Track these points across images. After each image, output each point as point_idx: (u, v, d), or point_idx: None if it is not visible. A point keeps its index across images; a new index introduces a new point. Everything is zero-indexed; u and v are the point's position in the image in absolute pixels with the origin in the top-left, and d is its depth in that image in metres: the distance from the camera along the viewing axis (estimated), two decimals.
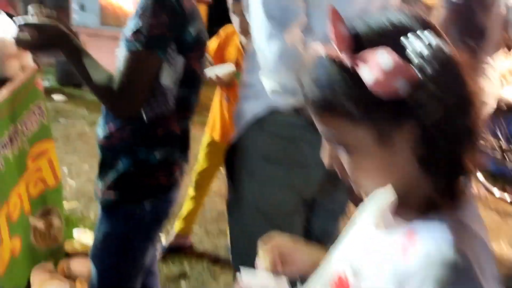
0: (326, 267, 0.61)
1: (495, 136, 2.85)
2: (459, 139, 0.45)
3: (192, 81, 0.98)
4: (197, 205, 2.03)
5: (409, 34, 0.45)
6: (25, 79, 1.49)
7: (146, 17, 0.85)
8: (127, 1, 4.69)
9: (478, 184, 2.78)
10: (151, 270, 1.22)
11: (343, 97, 0.46)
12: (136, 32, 0.86)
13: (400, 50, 0.44)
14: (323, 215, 1.12)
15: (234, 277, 0.73)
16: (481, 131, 0.47)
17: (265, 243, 0.69)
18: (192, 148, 1.13)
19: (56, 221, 1.67)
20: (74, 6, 4.75)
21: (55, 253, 1.66)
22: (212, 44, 1.86)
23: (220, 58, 1.88)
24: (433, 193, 0.47)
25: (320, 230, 1.14)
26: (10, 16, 4.13)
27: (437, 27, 0.47)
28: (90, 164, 2.88)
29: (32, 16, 0.91)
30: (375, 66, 0.43)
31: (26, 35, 0.89)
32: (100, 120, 1.01)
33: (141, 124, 0.95)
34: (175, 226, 2.01)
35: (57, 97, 4.28)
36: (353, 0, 0.92)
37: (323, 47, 0.48)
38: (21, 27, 0.89)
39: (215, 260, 2.05)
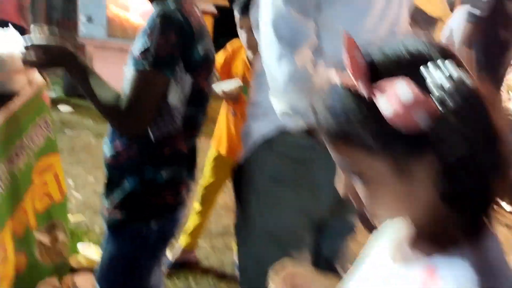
0: None
1: None
2: (485, 175, 0.43)
3: (199, 99, 0.97)
4: (203, 219, 2.01)
5: (428, 64, 0.43)
6: (32, 94, 1.49)
7: (155, 37, 0.85)
8: (134, 13, 4.73)
9: None
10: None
11: (359, 127, 0.44)
12: (144, 52, 0.85)
13: (419, 80, 0.42)
14: (332, 235, 1.10)
15: None
16: (510, 164, 0.44)
17: (277, 272, 0.67)
18: (198, 160, 1.12)
19: (61, 236, 1.66)
20: (81, 18, 4.80)
21: (60, 269, 1.65)
22: (219, 58, 1.86)
23: (226, 73, 1.88)
24: (455, 228, 0.45)
25: (329, 249, 1.12)
26: (20, 28, 4.17)
27: (458, 56, 0.46)
28: (95, 176, 2.88)
29: (38, 35, 0.92)
30: (393, 98, 0.41)
31: (32, 55, 0.90)
32: (107, 139, 1.00)
33: (148, 143, 0.94)
34: (181, 241, 1.99)
35: (63, 108, 4.30)
36: (363, 23, 0.91)
37: (337, 74, 0.47)
38: (27, 48, 0.89)
39: (221, 276, 2.02)
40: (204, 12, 5.56)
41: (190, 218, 1.98)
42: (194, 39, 0.90)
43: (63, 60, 0.89)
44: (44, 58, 0.89)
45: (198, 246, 2.10)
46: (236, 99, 1.78)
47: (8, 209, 1.35)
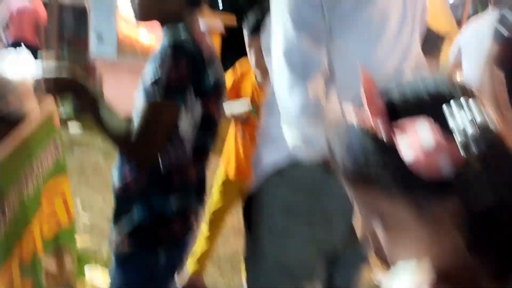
0: None
1: None
2: None
3: (209, 126, 0.97)
4: (211, 244, 1.99)
5: (451, 107, 0.41)
6: (43, 117, 1.49)
7: (166, 66, 0.84)
8: (143, 33, 4.81)
9: None
10: None
11: (378, 170, 0.42)
12: (155, 82, 0.85)
13: (441, 123, 0.41)
14: (345, 265, 1.07)
15: None
16: None
17: None
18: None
19: (68, 261, 1.64)
20: (92, 37, 4.88)
21: None
22: (228, 79, 1.86)
23: (235, 93, 1.87)
24: (481, 275, 0.43)
25: (342, 280, 1.09)
26: (34, 48, 4.24)
27: (480, 97, 0.44)
28: (104, 197, 2.87)
29: (48, 65, 0.93)
30: (414, 143, 0.40)
31: (43, 87, 0.90)
32: (116, 168, 0.99)
33: (157, 172, 0.93)
34: (188, 266, 1.95)
35: (72, 127, 4.34)
36: (376, 50, 0.90)
37: (354, 112, 0.45)
38: (39, 80, 0.90)
39: None
40: (212, 31, 5.66)
41: (198, 243, 1.95)
42: (205, 67, 0.89)
43: (74, 92, 0.90)
44: (54, 90, 0.90)
45: (206, 271, 2.07)
46: (246, 120, 1.77)
47: (16, 235, 1.33)
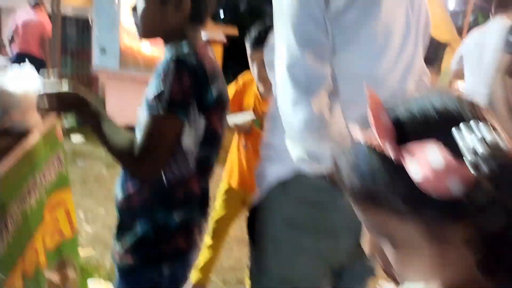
0: None
1: None
2: None
3: (212, 140, 0.96)
4: (215, 254, 1.97)
5: (460, 126, 0.41)
6: (46, 131, 1.50)
7: (169, 81, 0.84)
8: (146, 45, 4.84)
9: None
10: None
11: (387, 191, 0.42)
12: (158, 96, 0.84)
13: (450, 142, 0.40)
14: (351, 279, 1.06)
15: None
16: None
17: None
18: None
19: (71, 274, 1.63)
20: (95, 49, 4.92)
21: None
22: (230, 91, 1.86)
23: (237, 105, 1.88)
24: None
25: None
26: (41, 61, 4.28)
27: (491, 116, 0.43)
28: (106, 208, 2.87)
29: (50, 81, 0.94)
30: (423, 163, 0.39)
31: (46, 103, 0.91)
32: (119, 181, 0.99)
33: (161, 186, 0.93)
34: (192, 276, 1.94)
35: (75, 138, 4.35)
36: (380, 64, 0.90)
37: (361, 131, 0.45)
38: (41, 96, 0.90)
39: None
40: (214, 41, 5.70)
41: (201, 253, 1.94)
42: (208, 82, 0.89)
43: (76, 107, 0.90)
44: (57, 106, 0.90)
45: (210, 281, 2.05)
46: (249, 132, 1.77)
47: (19, 249, 1.33)
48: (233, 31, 7.42)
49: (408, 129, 0.42)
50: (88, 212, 2.80)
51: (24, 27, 4.91)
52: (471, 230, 0.40)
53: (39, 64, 4.77)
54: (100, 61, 4.91)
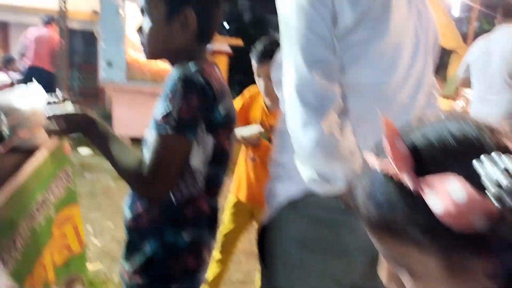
0: None
1: None
2: None
3: (221, 158, 0.95)
4: (224, 268, 1.95)
5: (482, 157, 0.39)
6: (54, 147, 1.50)
7: (176, 100, 0.84)
8: None
9: None
10: None
11: (405, 221, 0.40)
12: (166, 116, 0.84)
13: (471, 174, 0.38)
14: None
15: None
16: None
17: None
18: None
19: None
20: (101, 63, 4.97)
21: None
22: (236, 104, 1.86)
23: (244, 118, 1.87)
24: None
25: None
26: (51, 75, 4.32)
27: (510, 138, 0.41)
28: (114, 222, 2.87)
29: (58, 102, 0.94)
30: (444, 195, 0.37)
31: (55, 125, 0.91)
32: (127, 200, 0.98)
33: (169, 206, 0.92)
34: None
35: (83, 150, 4.37)
36: (389, 80, 0.88)
37: (377, 160, 0.43)
38: (49, 118, 0.91)
39: None
40: (219, 52, 5.73)
41: (210, 267, 1.92)
42: (216, 101, 0.89)
43: (84, 128, 0.90)
44: (65, 127, 0.90)
45: None
46: (256, 145, 1.77)
47: (27, 266, 1.33)
48: (238, 42, 7.46)
49: (426, 157, 0.41)
50: (96, 225, 2.80)
51: (36, 42, 5.09)
52: (494, 264, 0.39)
53: (49, 78, 4.86)
54: (106, 74, 4.96)
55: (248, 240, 2.50)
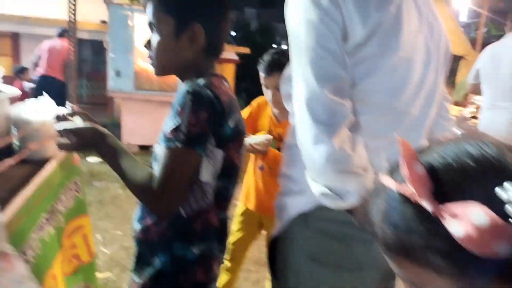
0: None
1: None
2: None
3: (230, 172, 0.95)
4: (233, 276, 1.94)
5: (505, 184, 0.37)
6: (63, 158, 1.52)
7: (185, 114, 0.83)
8: None
9: None
10: None
11: (424, 245, 0.39)
12: (175, 130, 0.84)
13: (492, 197, 0.37)
14: None
15: None
16: None
17: None
18: None
19: None
20: (110, 73, 5.03)
21: None
22: (244, 113, 1.86)
23: (252, 127, 1.87)
24: None
25: None
26: (62, 84, 4.38)
27: None
28: (123, 230, 2.88)
29: (68, 115, 0.95)
30: (465, 220, 0.37)
31: (66, 140, 0.91)
32: (137, 213, 0.98)
33: (179, 219, 0.92)
34: None
35: (91, 159, 4.40)
36: (401, 94, 0.87)
37: (394, 181, 0.42)
38: (60, 133, 0.91)
39: None
40: (227, 61, 5.71)
41: (220, 276, 1.91)
42: (225, 115, 0.88)
43: (94, 143, 0.90)
44: (75, 142, 0.90)
45: None
46: (265, 152, 1.76)
47: (38, 278, 1.33)
48: (245, 50, 7.49)
49: (444, 180, 0.40)
50: (105, 233, 2.81)
51: (49, 52, 5.25)
52: None
53: (61, 87, 4.95)
54: (115, 83, 5.01)
55: (257, 249, 2.49)
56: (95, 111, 6.48)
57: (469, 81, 2.98)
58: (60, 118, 0.97)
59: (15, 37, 8.15)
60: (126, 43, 4.95)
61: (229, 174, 0.95)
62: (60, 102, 1.52)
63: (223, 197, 0.96)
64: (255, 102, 1.92)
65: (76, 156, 1.66)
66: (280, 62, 1.66)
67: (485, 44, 5.99)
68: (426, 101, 0.92)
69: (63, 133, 0.90)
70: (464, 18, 7.49)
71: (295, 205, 0.93)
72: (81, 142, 0.90)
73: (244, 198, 1.92)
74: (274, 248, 0.99)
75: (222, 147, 0.90)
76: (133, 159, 0.89)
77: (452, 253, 0.38)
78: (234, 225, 1.92)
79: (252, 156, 1.88)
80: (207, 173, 0.90)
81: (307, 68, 0.83)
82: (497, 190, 0.38)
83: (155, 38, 0.95)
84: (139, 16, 4.90)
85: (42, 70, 5.25)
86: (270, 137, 1.75)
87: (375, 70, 0.84)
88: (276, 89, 1.68)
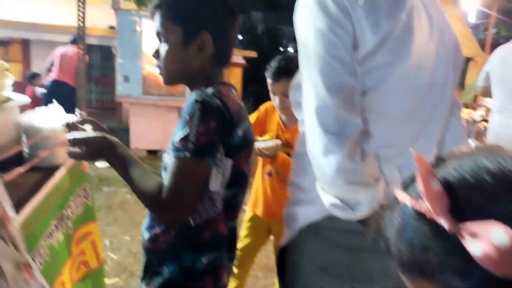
0: None
1: None
2: None
3: (239, 180, 0.94)
4: (241, 283, 1.93)
5: None
6: (72, 165, 1.52)
7: (194, 124, 0.83)
8: None
9: None
10: None
11: (440, 263, 0.38)
12: (184, 139, 0.83)
13: (509, 208, 0.36)
14: None
15: None
16: None
17: None
18: None
19: None
20: (119, 78, 5.07)
21: None
22: (251, 118, 1.86)
23: (259, 130, 1.87)
24: None
25: None
26: (73, 89, 4.42)
27: None
28: (131, 236, 2.88)
29: (78, 122, 0.95)
30: (484, 240, 0.36)
31: (76, 149, 0.92)
32: (146, 222, 0.98)
33: (188, 228, 0.91)
34: None
35: (100, 164, 4.42)
36: (410, 103, 0.87)
37: (408, 197, 0.41)
38: (70, 142, 0.92)
39: None
40: (234, 64, 5.73)
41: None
42: (233, 124, 0.88)
43: (104, 152, 0.90)
44: (85, 151, 0.90)
45: None
46: (274, 157, 1.75)
47: (47, 283, 1.34)
48: (252, 53, 7.50)
49: (461, 196, 0.39)
50: (113, 239, 2.82)
51: (61, 58, 5.33)
52: None
53: (72, 92, 5.03)
54: (123, 88, 5.05)
55: (265, 255, 2.48)
56: (103, 116, 6.55)
57: (479, 84, 2.95)
58: (69, 126, 0.97)
59: (25, 44, 8.26)
60: (134, 49, 4.99)
61: (238, 183, 0.94)
62: (71, 107, 1.54)
63: (232, 206, 0.95)
64: (262, 107, 1.92)
65: (85, 162, 1.66)
66: (287, 68, 1.65)
67: (494, 45, 5.94)
68: (437, 109, 0.91)
69: (73, 142, 0.91)
70: (472, 19, 7.43)
71: (305, 215, 0.92)
72: (91, 151, 0.90)
73: (252, 204, 1.91)
74: (283, 257, 0.98)
75: (231, 156, 0.90)
76: (142, 168, 0.88)
77: (470, 272, 0.37)
78: (242, 231, 1.91)
79: (260, 161, 1.88)
80: (216, 182, 0.90)
81: (317, 77, 0.82)
82: None
83: (164, 48, 0.95)
84: (147, 22, 4.94)
85: (54, 75, 5.35)
86: (279, 141, 1.74)
87: (386, 79, 0.83)
88: (283, 95, 1.68)
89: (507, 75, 2.63)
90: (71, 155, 0.94)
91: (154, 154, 5.03)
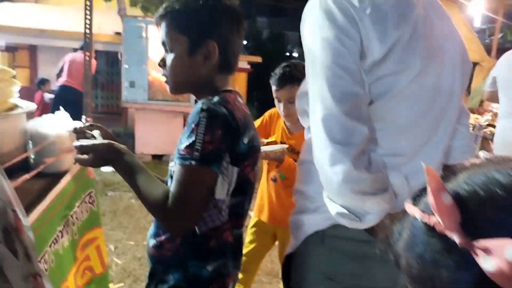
0: None
1: None
2: None
3: (245, 188, 0.94)
4: None
5: None
6: (78, 171, 1.53)
7: (200, 132, 0.83)
8: None
9: None
10: None
11: (451, 279, 0.38)
12: (190, 147, 0.83)
13: None
14: None
15: None
16: None
17: None
18: None
19: None
20: (124, 83, 5.10)
21: None
22: (256, 123, 1.86)
23: (264, 134, 1.87)
24: None
25: None
26: (81, 94, 4.44)
27: None
28: (136, 241, 2.89)
29: (84, 128, 0.96)
30: (497, 254, 0.35)
31: (84, 156, 0.92)
32: (151, 229, 0.98)
33: (193, 236, 0.91)
34: None
35: (105, 168, 4.44)
36: (416, 112, 0.86)
37: (418, 211, 0.41)
38: (77, 149, 0.92)
39: None
40: (239, 69, 5.77)
41: None
42: (239, 132, 0.88)
43: (111, 159, 0.90)
44: (92, 158, 0.91)
45: None
46: (280, 161, 1.75)
47: None
48: (257, 59, 7.52)
49: (473, 210, 0.38)
50: (118, 244, 2.82)
51: (70, 63, 5.41)
52: None
53: (79, 96, 5.08)
54: (129, 94, 5.08)
55: (270, 260, 2.47)
56: (109, 121, 6.58)
57: (486, 89, 2.93)
58: (76, 131, 0.97)
59: (32, 49, 8.34)
60: (140, 55, 5.02)
61: (244, 191, 0.94)
62: (78, 112, 1.55)
63: (238, 214, 0.95)
64: (267, 114, 1.92)
65: (90, 168, 1.67)
66: (291, 75, 1.66)
67: (500, 50, 5.90)
68: (445, 117, 0.91)
69: (80, 149, 0.91)
70: (478, 23, 7.40)
71: (311, 223, 0.92)
72: (98, 158, 0.90)
73: (257, 210, 1.91)
74: (289, 265, 0.98)
75: (237, 164, 0.90)
76: (149, 175, 0.89)
77: (480, 286, 0.36)
78: (247, 236, 1.91)
79: (265, 167, 1.88)
80: (222, 190, 0.89)
81: (324, 87, 0.81)
82: None
83: (169, 57, 0.95)
84: (153, 28, 4.97)
85: (63, 80, 5.45)
86: (285, 146, 1.74)
87: (393, 87, 0.83)
88: (288, 101, 1.68)
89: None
90: (79, 161, 0.94)
91: (159, 159, 5.04)
